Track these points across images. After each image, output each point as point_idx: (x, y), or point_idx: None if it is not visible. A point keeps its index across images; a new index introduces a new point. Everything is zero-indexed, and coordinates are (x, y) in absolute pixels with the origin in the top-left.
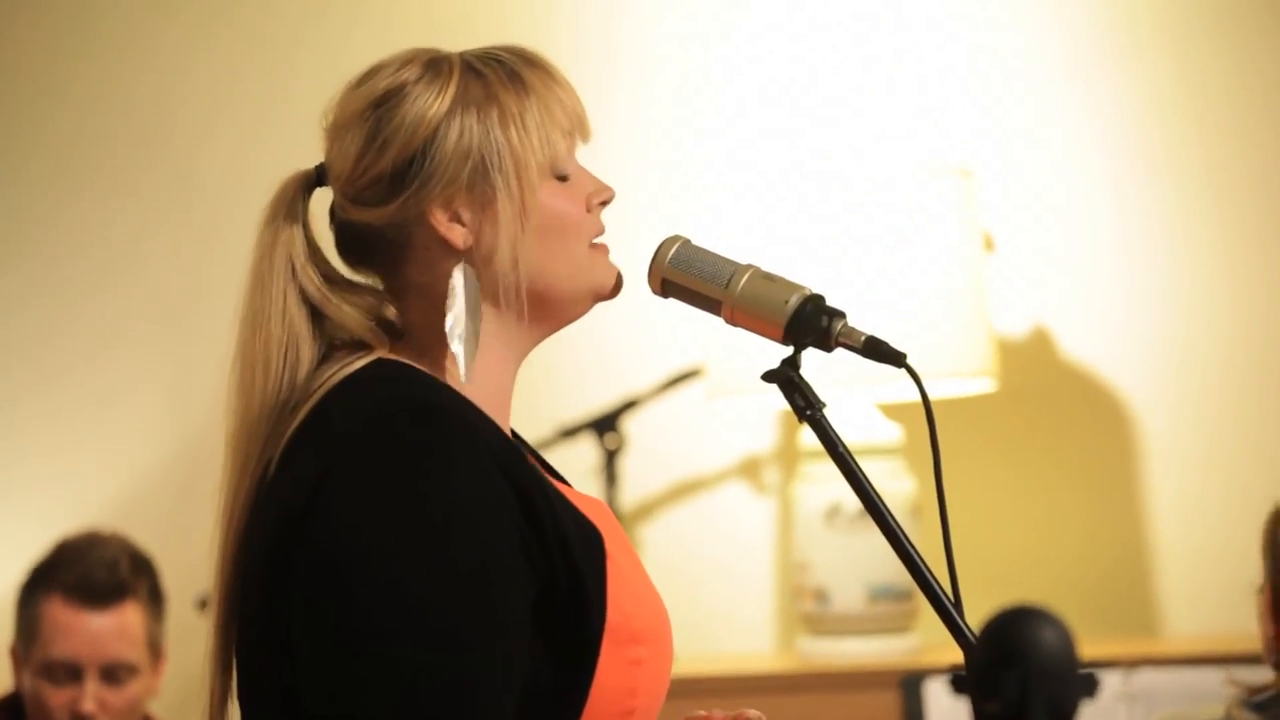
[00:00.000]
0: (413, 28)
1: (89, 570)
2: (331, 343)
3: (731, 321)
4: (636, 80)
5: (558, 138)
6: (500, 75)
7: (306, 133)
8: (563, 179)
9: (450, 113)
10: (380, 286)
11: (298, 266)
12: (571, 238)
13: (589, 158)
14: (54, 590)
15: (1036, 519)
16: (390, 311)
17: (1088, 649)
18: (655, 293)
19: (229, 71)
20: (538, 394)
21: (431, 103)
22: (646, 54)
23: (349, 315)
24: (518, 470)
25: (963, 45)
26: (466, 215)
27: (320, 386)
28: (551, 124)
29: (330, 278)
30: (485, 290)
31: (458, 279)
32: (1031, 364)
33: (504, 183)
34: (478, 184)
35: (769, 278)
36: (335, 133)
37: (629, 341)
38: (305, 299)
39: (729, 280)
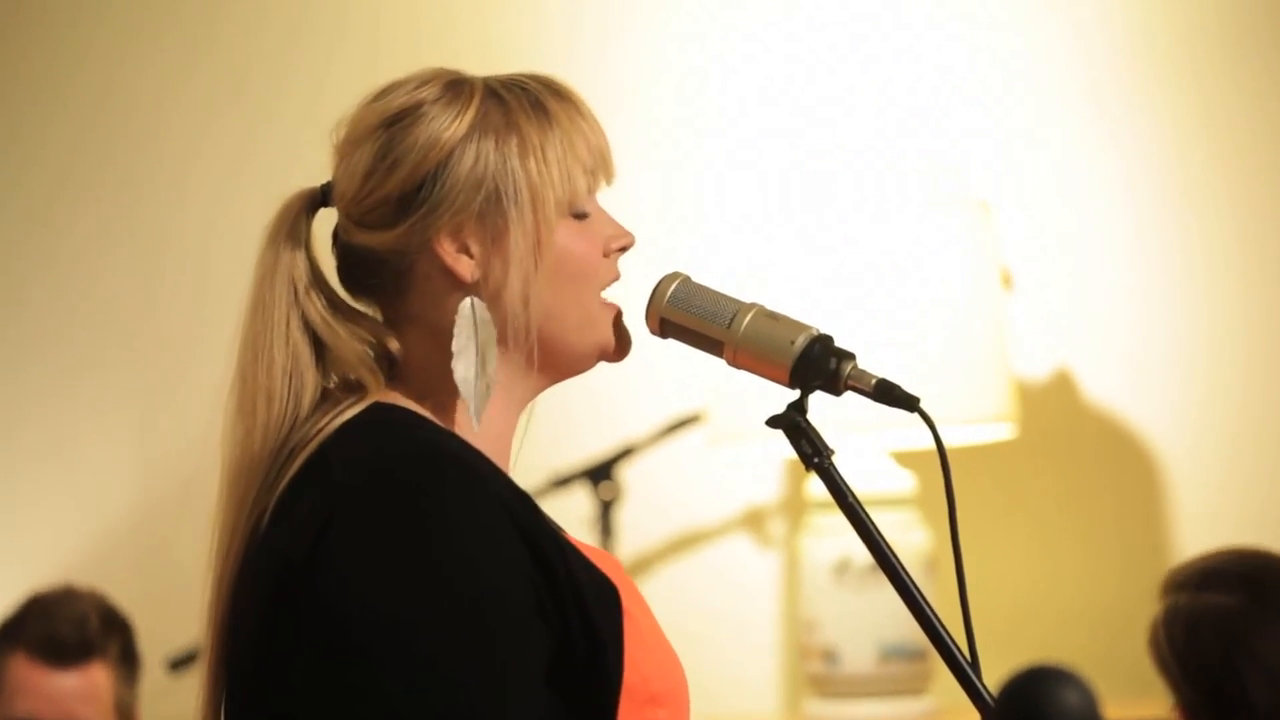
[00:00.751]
0: (399, 30)
1: (55, 627)
2: (327, 385)
3: (734, 363)
4: (630, 111)
5: (579, 174)
6: (523, 103)
7: (288, 167)
8: (581, 218)
9: (467, 137)
10: (380, 317)
11: (300, 291)
12: (585, 283)
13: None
14: (19, 647)
15: (1059, 573)
16: (393, 345)
17: (1113, 712)
18: (653, 333)
19: (210, 105)
20: (528, 440)
21: (448, 125)
22: (638, 90)
23: (350, 347)
24: (530, 521)
25: (980, 72)
26: (475, 247)
27: (318, 433)
28: (574, 159)
29: (335, 304)
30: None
31: (466, 313)
32: (1053, 408)
33: (519, 215)
34: (489, 215)
35: (774, 317)
36: (344, 149)
37: (625, 385)
38: (308, 325)
39: (731, 319)
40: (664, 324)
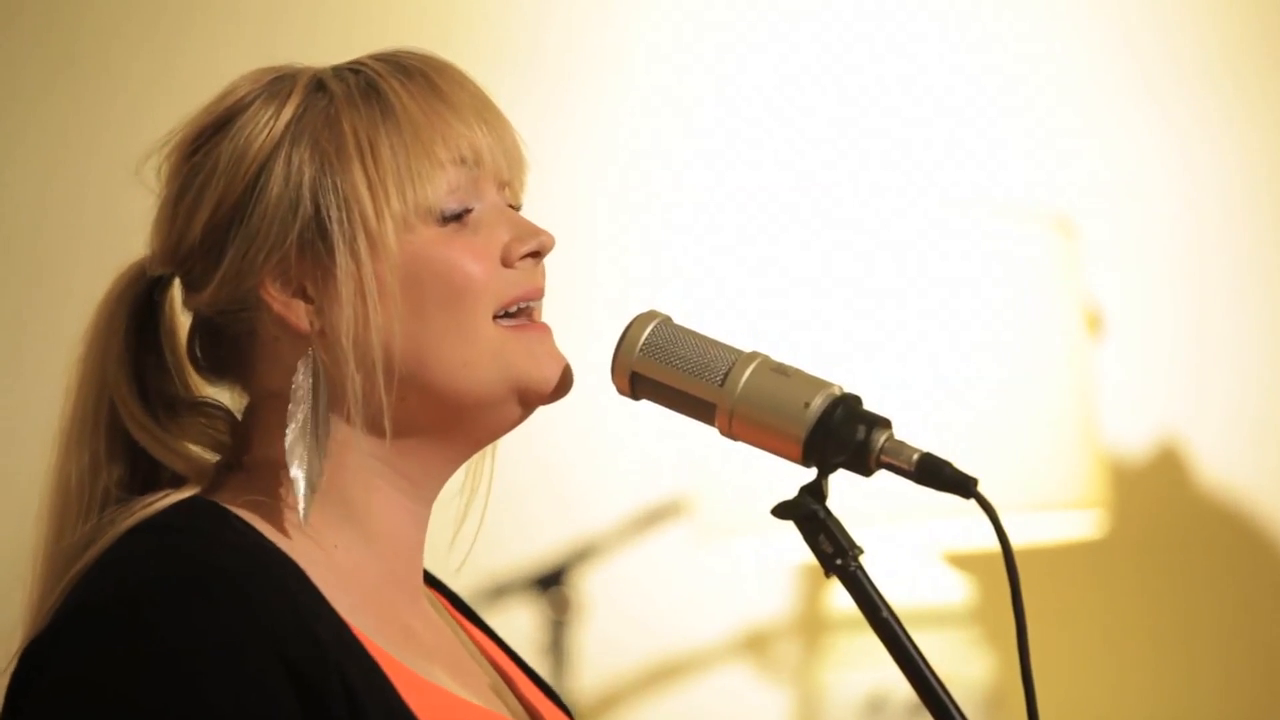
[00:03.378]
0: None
1: None
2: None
3: (729, 433)
4: (606, 94)
5: (430, 171)
6: (352, 91)
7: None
8: (453, 221)
9: (278, 146)
10: (246, 399)
11: (113, 391)
12: (465, 303)
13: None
14: None
15: (1165, 709)
16: (229, 441)
17: None
18: (622, 392)
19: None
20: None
21: (258, 133)
22: (624, 60)
23: (171, 454)
24: (315, 671)
25: (1057, 62)
26: (312, 288)
27: (108, 534)
28: (421, 154)
29: (153, 401)
30: (340, 392)
31: (301, 374)
32: (1155, 493)
33: (343, 238)
34: (314, 242)
35: (783, 371)
36: (159, 190)
37: (584, 462)
38: (119, 428)
39: (726, 374)
40: (636, 380)
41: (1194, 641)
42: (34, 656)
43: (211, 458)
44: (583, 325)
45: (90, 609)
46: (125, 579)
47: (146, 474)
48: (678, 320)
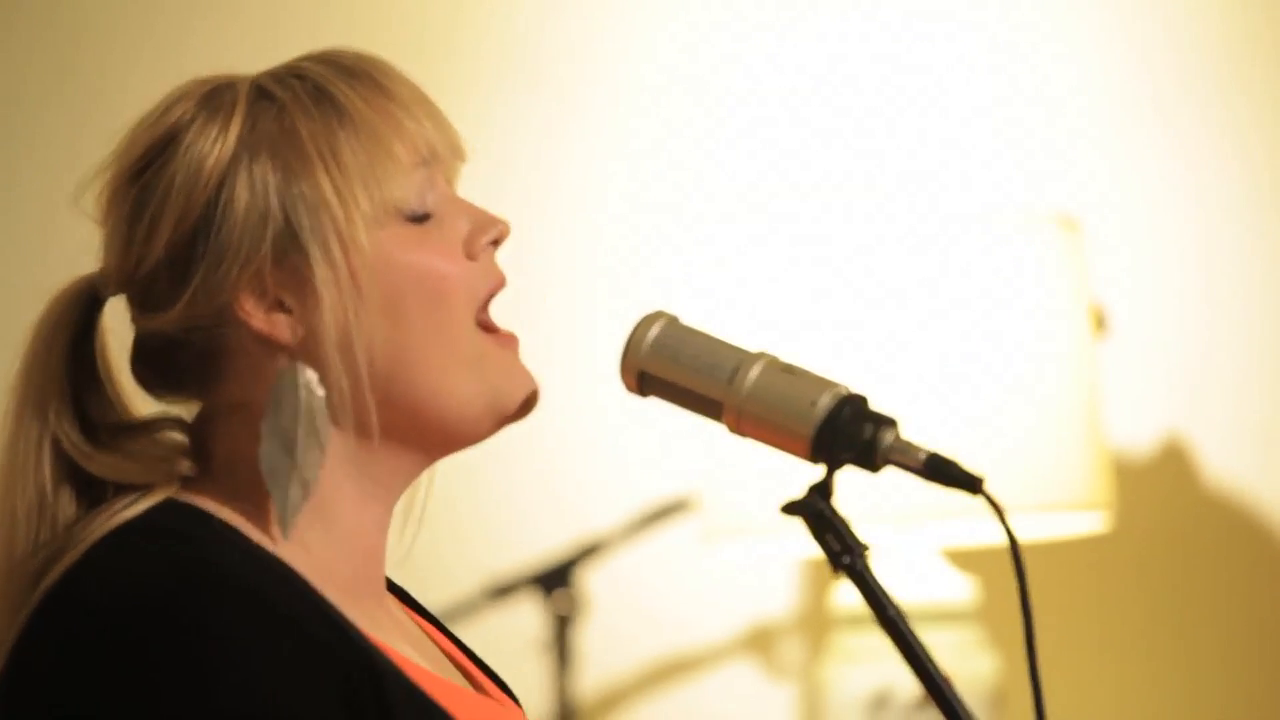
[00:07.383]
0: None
1: None
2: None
3: (737, 430)
4: (608, 95)
5: (393, 173)
6: (301, 97)
7: None
8: (420, 221)
9: (235, 160)
10: (198, 410)
11: (52, 417)
12: (444, 306)
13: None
14: None
15: (1168, 707)
16: (184, 465)
17: None
18: (630, 390)
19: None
20: (458, 536)
21: (209, 150)
22: (625, 64)
23: (117, 474)
24: (350, 666)
25: (1062, 60)
26: (290, 299)
27: (84, 540)
28: (382, 154)
29: (107, 429)
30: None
31: (282, 384)
32: (1160, 493)
33: (320, 247)
34: (288, 253)
35: (790, 370)
36: (102, 218)
37: (588, 460)
38: (64, 456)
39: (734, 373)
40: (644, 379)
41: (1198, 641)
42: (37, 673)
43: (169, 465)
44: (588, 324)
45: (106, 612)
46: (146, 586)
47: (102, 487)
48: (684, 321)
